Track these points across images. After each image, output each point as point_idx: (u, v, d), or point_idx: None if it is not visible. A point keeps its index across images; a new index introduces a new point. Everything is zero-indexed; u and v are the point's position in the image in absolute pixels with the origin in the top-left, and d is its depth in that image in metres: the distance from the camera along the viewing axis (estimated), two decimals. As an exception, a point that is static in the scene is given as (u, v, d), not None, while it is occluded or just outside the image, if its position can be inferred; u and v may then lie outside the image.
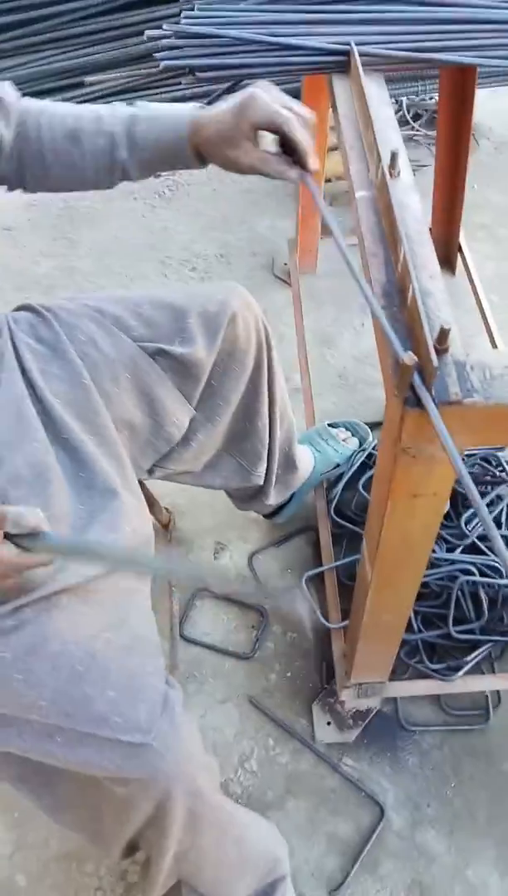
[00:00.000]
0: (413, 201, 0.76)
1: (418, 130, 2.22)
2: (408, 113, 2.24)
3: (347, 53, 0.93)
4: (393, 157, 0.78)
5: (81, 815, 0.83)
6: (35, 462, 0.80)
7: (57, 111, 0.82)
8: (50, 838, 1.12)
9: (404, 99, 2.23)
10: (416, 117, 2.25)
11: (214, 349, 0.97)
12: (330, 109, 1.41)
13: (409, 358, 0.58)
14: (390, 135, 0.83)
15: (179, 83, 1.02)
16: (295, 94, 1.46)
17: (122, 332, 0.92)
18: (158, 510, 1.48)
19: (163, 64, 0.95)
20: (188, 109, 0.80)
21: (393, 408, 0.64)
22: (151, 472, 1.06)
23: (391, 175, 0.78)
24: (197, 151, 0.79)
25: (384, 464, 0.71)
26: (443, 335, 0.61)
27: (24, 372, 0.86)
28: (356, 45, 0.91)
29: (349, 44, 0.92)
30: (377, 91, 0.90)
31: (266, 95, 0.74)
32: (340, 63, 0.94)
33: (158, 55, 0.95)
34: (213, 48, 0.95)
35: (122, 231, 2.10)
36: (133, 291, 0.98)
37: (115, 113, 0.82)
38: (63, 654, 0.70)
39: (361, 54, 0.91)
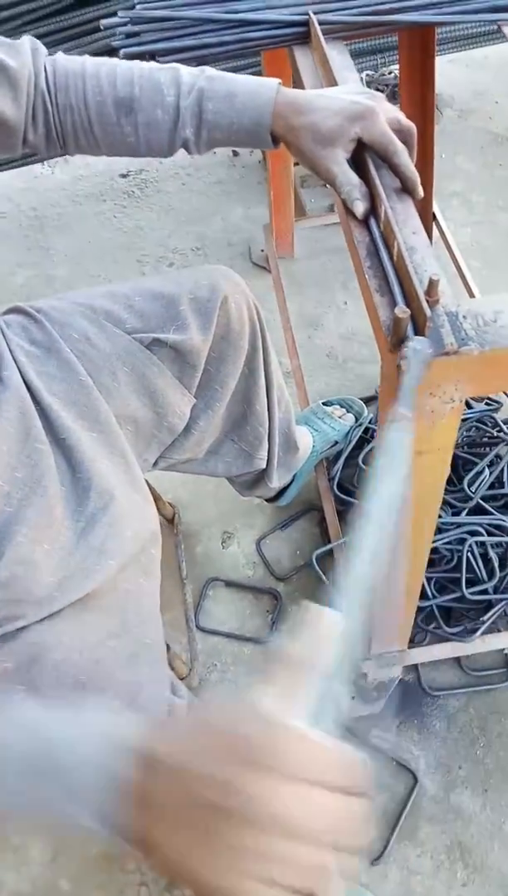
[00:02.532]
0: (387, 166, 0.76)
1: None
2: (370, 88, 2.24)
3: (306, 24, 0.93)
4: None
5: None
6: (36, 465, 0.79)
7: (103, 72, 0.73)
8: (88, 840, 1.12)
9: (363, 75, 2.23)
10: (378, 92, 2.25)
11: (209, 334, 0.96)
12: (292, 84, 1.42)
13: (401, 311, 0.58)
14: (357, 99, 0.82)
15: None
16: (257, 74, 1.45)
17: (115, 325, 0.91)
18: (162, 506, 1.47)
19: (122, 52, 0.95)
20: (270, 90, 0.72)
21: (390, 364, 0.64)
22: (155, 464, 1.06)
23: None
24: (275, 136, 0.74)
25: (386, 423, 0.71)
26: (433, 286, 0.61)
27: (21, 375, 0.84)
28: (315, 14, 0.91)
29: (307, 14, 0.91)
30: (339, 58, 0.90)
31: (383, 115, 0.71)
32: (300, 34, 0.94)
33: (116, 43, 0.94)
34: (171, 31, 0.94)
35: (94, 234, 2.10)
36: (121, 284, 0.97)
37: (179, 81, 0.73)
38: (66, 664, 0.68)
39: (320, 23, 0.91)
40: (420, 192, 0.73)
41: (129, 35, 0.95)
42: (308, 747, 0.36)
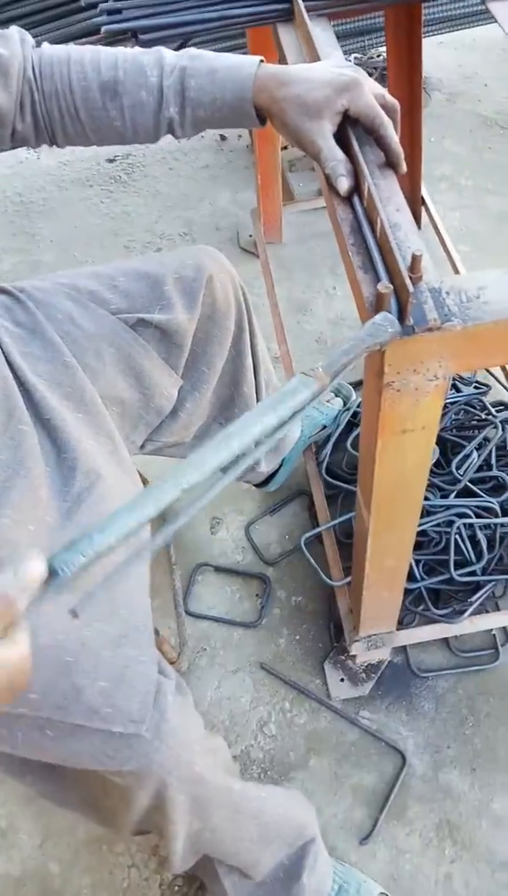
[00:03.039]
0: (371, 139, 0.75)
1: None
2: (357, 72, 2.22)
3: (289, 0, 0.91)
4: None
5: (86, 800, 0.82)
6: (19, 446, 0.78)
7: (87, 59, 0.74)
8: (77, 824, 1.12)
9: (350, 58, 2.21)
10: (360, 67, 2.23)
11: (194, 314, 0.96)
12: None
13: (384, 286, 0.58)
14: (341, 75, 0.81)
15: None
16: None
17: (99, 306, 0.90)
18: (150, 491, 1.47)
19: (104, 29, 0.93)
20: (252, 64, 0.72)
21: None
22: (143, 446, 1.05)
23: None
24: (260, 110, 0.73)
25: (370, 403, 0.70)
26: (416, 262, 0.60)
27: (4, 356, 0.83)
28: (298, -10, 0.90)
29: (290, -10, 0.90)
30: (323, 35, 0.89)
31: (368, 87, 0.70)
32: (283, 11, 0.93)
33: (97, 20, 0.93)
34: (153, 8, 0.93)
35: (81, 220, 2.08)
36: (105, 265, 0.96)
37: (161, 62, 0.73)
38: (53, 646, 0.68)
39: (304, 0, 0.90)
40: (404, 166, 0.72)
41: (110, 12, 0.94)
42: None
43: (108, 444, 0.86)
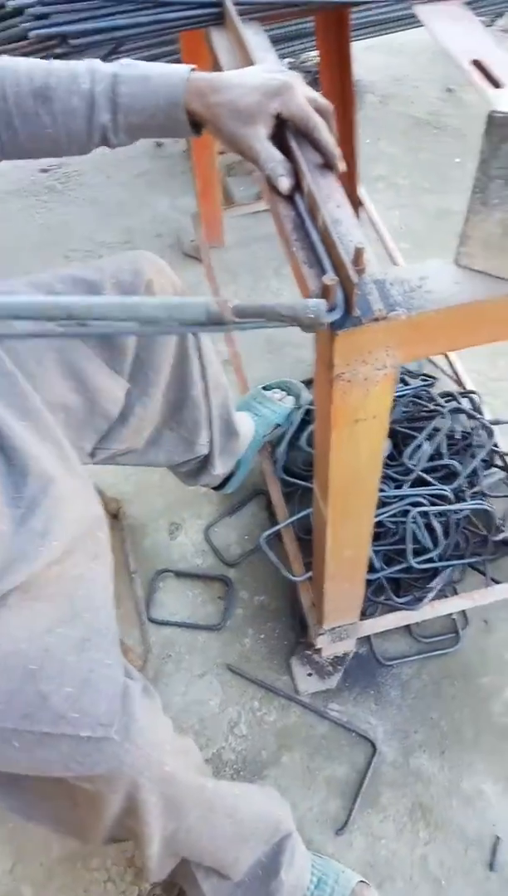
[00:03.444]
0: (307, 141, 0.76)
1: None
2: (290, 77, 2.26)
3: (221, 4, 0.92)
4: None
5: (54, 812, 0.81)
6: None
7: (22, 66, 0.74)
8: (50, 842, 1.10)
9: (284, 63, 2.24)
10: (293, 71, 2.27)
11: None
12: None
13: (329, 278, 0.59)
14: (276, 77, 0.83)
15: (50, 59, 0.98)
16: (175, 62, 1.44)
17: None
18: (106, 501, 1.45)
19: (32, 34, 0.92)
20: (184, 70, 0.73)
21: (322, 335, 0.64)
22: (93, 455, 1.04)
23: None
24: (194, 117, 0.74)
25: (323, 395, 0.72)
26: (359, 255, 0.62)
27: None
28: (229, -6, 0.91)
29: (221, -6, 0.91)
30: (256, 39, 0.90)
31: (300, 90, 0.71)
32: (215, 15, 0.94)
33: (26, 25, 0.92)
34: (83, 12, 0.92)
35: (18, 231, 2.04)
36: (43, 273, 0.94)
37: (93, 69, 0.74)
38: (15, 654, 0.67)
39: (235, 3, 0.91)
40: (341, 165, 0.74)
41: (38, 17, 0.93)
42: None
43: (55, 451, 0.85)
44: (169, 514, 1.46)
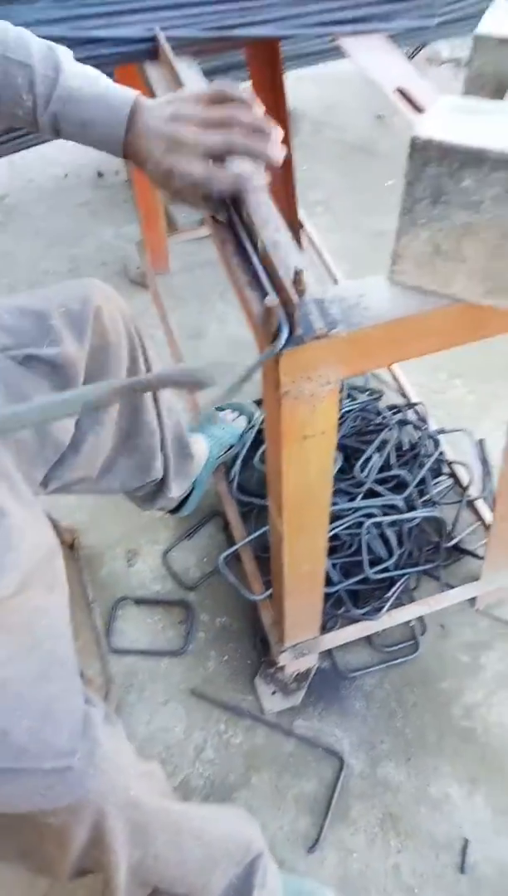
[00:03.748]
0: (246, 166, 0.79)
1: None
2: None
3: (154, 39, 0.95)
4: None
5: (20, 848, 0.78)
6: None
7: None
8: (13, 887, 1.06)
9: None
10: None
11: (84, 346, 0.96)
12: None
13: (271, 300, 0.61)
14: (210, 108, 0.85)
15: None
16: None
17: None
18: (60, 531, 1.44)
19: (-31, 70, 0.93)
20: (123, 116, 0.71)
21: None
22: (46, 485, 1.03)
23: (219, 144, 0.80)
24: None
25: (272, 413, 0.73)
26: (298, 276, 0.64)
27: None
28: (162, 30, 0.93)
29: (154, 30, 0.94)
30: (189, 71, 0.93)
31: (193, 143, 0.69)
32: (149, 50, 0.96)
33: (-38, 61, 0.92)
34: (18, 48, 0.93)
35: (-39, 262, 2.02)
36: None
37: (34, 91, 0.73)
38: None
39: (168, 38, 0.94)
40: (278, 153, 0.72)
41: (-26, 52, 0.94)
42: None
43: (6, 483, 0.84)
44: (126, 541, 1.45)
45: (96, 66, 0.94)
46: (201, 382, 0.59)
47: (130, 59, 0.96)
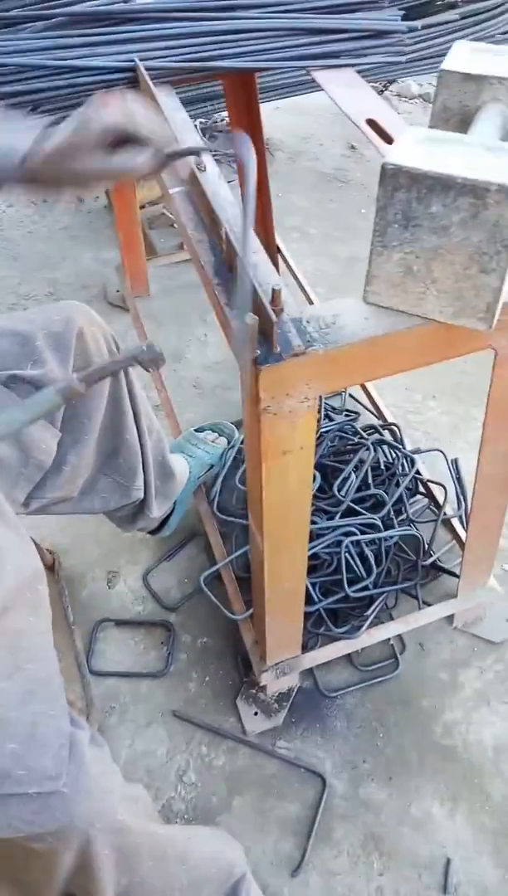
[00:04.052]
0: (223, 189, 0.81)
1: (217, 151, 2.34)
2: (204, 136, 2.37)
3: (133, 69, 0.98)
4: (197, 153, 0.83)
5: (2, 874, 0.77)
6: None
7: None
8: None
9: (197, 123, 2.35)
10: (212, 139, 2.38)
11: (67, 367, 0.97)
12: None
13: (250, 318, 0.63)
14: (189, 135, 0.88)
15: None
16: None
17: None
18: (41, 553, 1.43)
19: (-48, 97, 0.95)
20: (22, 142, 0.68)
21: (248, 372, 0.68)
22: (27, 505, 1.03)
23: (198, 169, 0.83)
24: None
25: (252, 430, 0.75)
26: (276, 296, 0.66)
27: None
28: (141, 60, 0.96)
29: (133, 60, 0.96)
30: (168, 99, 0.96)
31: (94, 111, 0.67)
32: (128, 79, 0.99)
33: None
34: (2, 77, 0.96)
35: None
36: None
37: None
38: None
39: (147, 69, 0.97)
40: (168, 142, 0.71)
41: (-43, 81, 0.96)
42: None
43: None
44: (106, 562, 1.44)
45: (77, 94, 0.97)
46: (155, 358, 0.66)
47: (110, 87, 0.99)
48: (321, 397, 1.53)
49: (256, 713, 1.22)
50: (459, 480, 1.48)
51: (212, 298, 0.74)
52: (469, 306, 0.63)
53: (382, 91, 2.67)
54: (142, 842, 0.77)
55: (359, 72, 1.14)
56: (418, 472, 1.41)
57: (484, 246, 0.58)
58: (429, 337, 0.68)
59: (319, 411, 1.50)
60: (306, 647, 1.21)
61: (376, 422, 1.55)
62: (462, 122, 0.68)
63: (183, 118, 0.93)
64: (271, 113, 2.56)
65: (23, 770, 0.66)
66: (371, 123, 0.91)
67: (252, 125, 1.58)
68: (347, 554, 1.24)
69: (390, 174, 0.57)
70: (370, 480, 1.35)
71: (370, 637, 1.21)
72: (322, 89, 1.12)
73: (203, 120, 2.38)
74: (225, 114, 2.21)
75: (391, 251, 0.62)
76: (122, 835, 0.73)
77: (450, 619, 1.30)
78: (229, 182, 0.84)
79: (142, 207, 2.09)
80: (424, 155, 0.57)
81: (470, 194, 0.55)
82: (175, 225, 2.08)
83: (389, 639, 1.27)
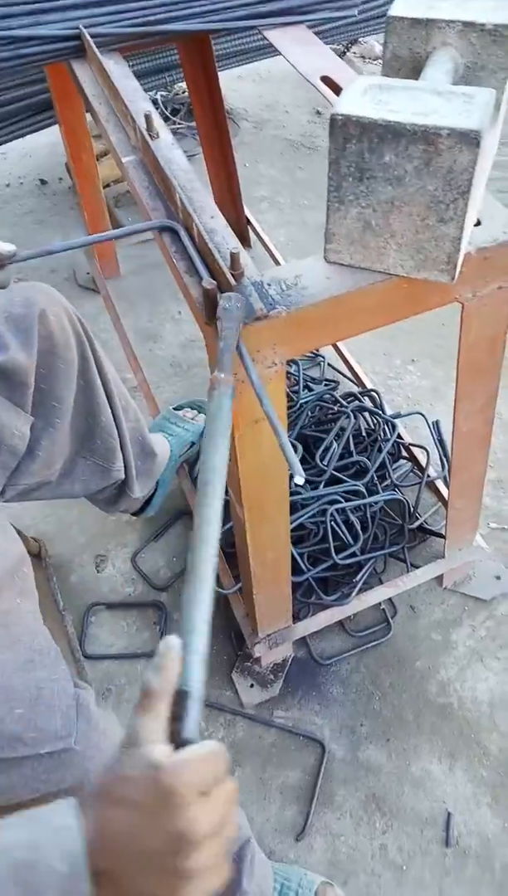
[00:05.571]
0: (177, 156, 0.79)
1: (180, 123, 2.30)
2: (166, 109, 2.31)
3: (79, 37, 0.95)
4: (148, 119, 0.81)
5: None
6: None
7: None
8: None
9: (158, 97, 2.30)
10: (174, 112, 2.33)
11: (31, 350, 0.95)
12: (87, 115, 1.43)
13: (208, 282, 0.62)
14: (140, 103, 0.86)
15: None
16: (47, 103, 1.45)
17: None
18: (26, 542, 1.42)
19: None
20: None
21: (210, 338, 0.67)
22: (4, 492, 1.01)
23: (150, 137, 0.81)
24: None
25: (220, 400, 0.73)
26: (235, 259, 0.65)
27: None
28: (85, 27, 0.93)
29: (78, 28, 0.93)
30: (116, 67, 0.93)
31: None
32: (75, 48, 0.96)
33: None
34: None
35: None
36: None
37: None
38: None
39: (92, 36, 0.93)
40: None
41: None
42: (195, 766, 0.42)
43: None
44: (93, 547, 1.44)
45: (23, 65, 0.94)
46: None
47: (55, 57, 0.96)
48: (299, 366, 1.52)
49: (252, 685, 1.22)
50: (441, 442, 1.48)
51: (171, 266, 0.72)
52: (430, 258, 0.62)
53: (344, 52, 2.62)
54: None
55: (316, 32, 1.11)
56: (399, 437, 1.40)
57: (440, 194, 0.56)
58: (393, 293, 0.67)
59: (297, 382, 1.49)
60: (297, 617, 1.22)
61: (355, 389, 1.54)
62: (413, 69, 0.66)
63: (134, 87, 0.91)
64: (234, 82, 2.51)
65: (33, 732, 0.67)
66: (327, 81, 0.89)
67: (211, 93, 1.54)
68: (332, 522, 1.23)
69: (339, 124, 0.55)
70: (352, 448, 1.34)
71: (361, 602, 1.21)
72: (276, 48, 1.09)
73: (164, 93, 2.33)
74: (185, 84, 2.17)
75: (348, 206, 0.61)
76: None
77: (439, 580, 1.31)
78: (191, 156, 0.82)
79: (106, 186, 2.05)
80: (373, 103, 0.55)
81: (422, 141, 0.54)
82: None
83: (380, 603, 1.28)
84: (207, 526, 0.52)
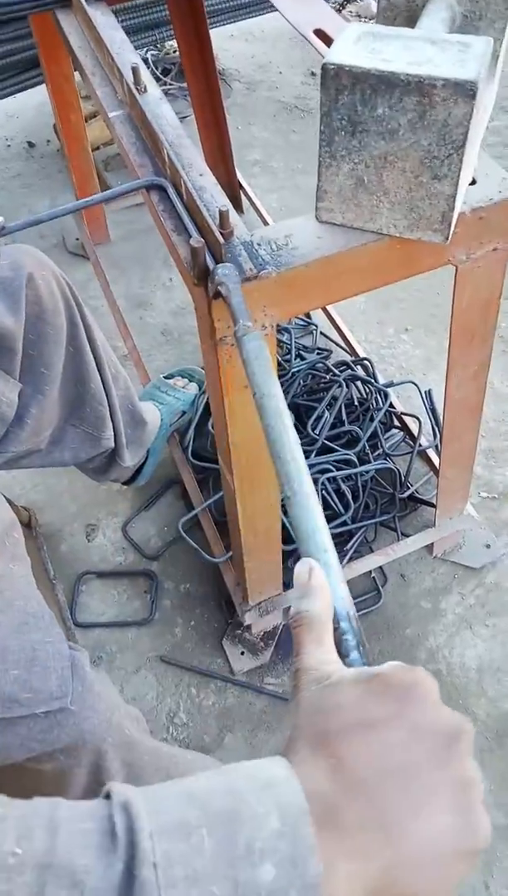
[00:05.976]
0: (166, 110, 0.77)
1: (171, 84, 2.23)
2: (157, 69, 2.25)
3: (63, -14, 0.91)
4: (135, 72, 0.78)
5: None
6: None
7: None
8: None
9: (149, 56, 2.23)
10: (165, 72, 2.26)
11: (20, 315, 0.93)
12: (76, 73, 1.38)
13: (196, 241, 0.60)
14: (127, 55, 0.83)
15: None
16: (33, 60, 1.40)
17: None
18: (16, 511, 1.41)
19: None
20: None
21: (199, 300, 0.65)
22: (-9, 460, 1.01)
23: (138, 91, 0.78)
24: None
25: (210, 364, 0.72)
26: (224, 217, 0.63)
27: None
28: (70, -24, 0.89)
29: (62, -24, 0.90)
30: (103, 18, 0.89)
31: None
32: (59, -2, 0.92)
33: None
34: None
35: None
36: None
37: None
38: None
39: (77, -15, 0.90)
40: None
41: None
42: (403, 668, 0.37)
43: None
44: (83, 516, 1.43)
45: (5, 14, 0.90)
46: None
47: (39, 7, 0.92)
48: (291, 334, 1.50)
49: (242, 653, 1.23)
50: (433, 412, 1.47)
51: (158, 226, 0.70)
52: (423, 217, 0.60)
53: (339, 10, 2.54)
54: (149, 760, 0.80)
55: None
56: (391, 406, 1.39)
57: (435, 149, 0.54)
58: (386, 253, 0.65)
59: (289, 351, 1.47)
60: (288, 585, 1.22)
61: (348, 358, 1.52)
62: (408, 19, 0.63)
63: (121, 38, 0.87)
64: (226, 41, 2.43)
65: (29, 693, 0.68)
66: (320, 34, 0.86)
67: (202, 51, 1.50)
68: (324, 491, 1.23)
69: (331, 75, 0.53)
70: (344, 417, 1.34)
71: (351, 570, 1.21)
72: (274, 9, 1.05)
73: (154, 52, 2.26)
74: (175, 43, 2.10)
75: (340, 161, 0.59)
76: (131, 750, 0.76)
77: (430, 548, 1.31)
78: (182, 118, 0.79)
79: (96, 149, 1.99)
80: (366, 52, 0.53)
81: (416, 92, 0.52)
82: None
83: (370, 572, 1.28)
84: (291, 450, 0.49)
